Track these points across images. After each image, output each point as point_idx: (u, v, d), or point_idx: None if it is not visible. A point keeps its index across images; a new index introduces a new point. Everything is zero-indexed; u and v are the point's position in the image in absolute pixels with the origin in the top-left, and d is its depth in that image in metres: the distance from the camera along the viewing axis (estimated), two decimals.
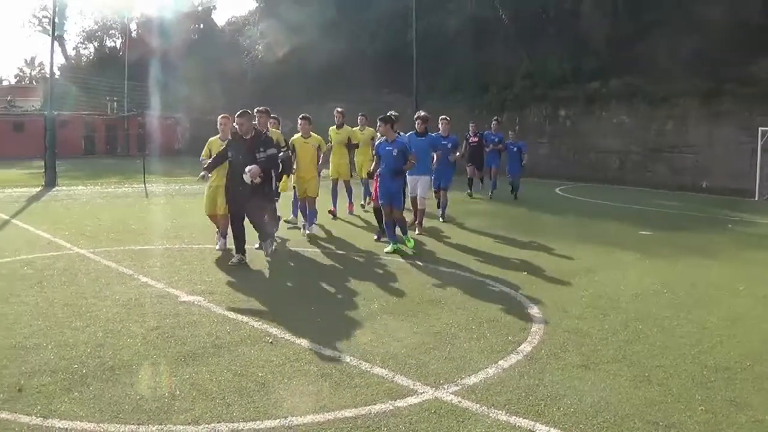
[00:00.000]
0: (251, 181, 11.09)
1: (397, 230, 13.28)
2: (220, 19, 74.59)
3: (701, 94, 31.06)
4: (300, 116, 15.31)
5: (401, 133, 14.41)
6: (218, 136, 12.67)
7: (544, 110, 38.61)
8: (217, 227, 12.88)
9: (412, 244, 13.18)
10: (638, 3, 32.48)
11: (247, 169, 11.08)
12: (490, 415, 5.49)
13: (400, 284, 10.37)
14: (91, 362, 6.56)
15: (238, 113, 11.52)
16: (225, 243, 12.70)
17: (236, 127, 11.57)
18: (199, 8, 71.09)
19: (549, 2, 38.89)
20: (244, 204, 11.49)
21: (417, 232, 15.12)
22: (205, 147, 12.86)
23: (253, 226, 11.91)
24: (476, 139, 23.38)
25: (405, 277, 10.85)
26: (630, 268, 11.94)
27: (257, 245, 12.41)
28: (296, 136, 15.11)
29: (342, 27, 47.44)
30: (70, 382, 6.01)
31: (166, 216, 18.28)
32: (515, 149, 24.18)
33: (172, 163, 41.58)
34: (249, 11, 65.50)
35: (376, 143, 13.58)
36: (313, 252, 13.12)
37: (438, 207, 17.89)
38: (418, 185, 15.27)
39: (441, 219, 17.44)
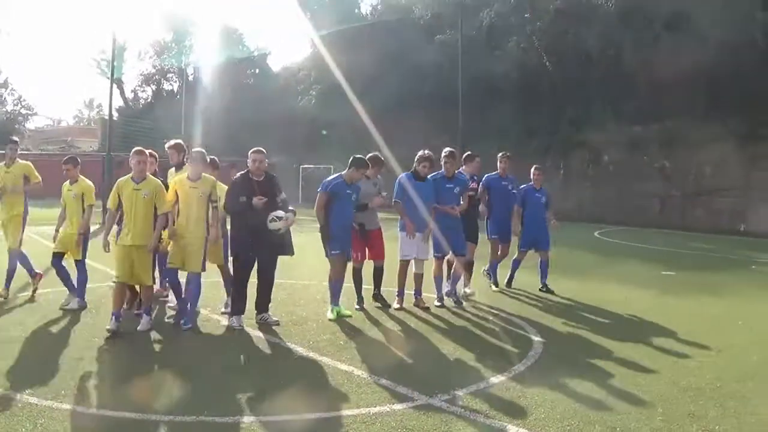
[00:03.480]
0: (279, 229, 9.80)
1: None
2: (275, 64, 75.90)
3: (738, 137, 31.68)
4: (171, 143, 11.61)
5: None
6: (130, 175, 9.73)
7: (588, 155, 39.42)
8: (120, 301, 9.74)
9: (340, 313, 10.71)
10: (677, 49, 33.15)
11: (278, 215, 9.74)
12: (470, 417, 6.43)
13: (414, 313, 11.26)
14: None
15: (253, 150, 9.98)
16: (150, 320, 9.79)
17: (252, 165, 10.02)
18: (255, 53, 73.00)
19: (592, 49, 39.68)
20: (265, 258, 10.09)
21: (396, 305, 11.58)
22: (113, 191, 9.70)
23: (264, 288, 10.24)
24: (475, 186, 13.26)
25: (420, 309, 11.61)
26: (638, 303, 12.56)
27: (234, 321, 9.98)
28: (180, 176, 10.42)
29: (392, 72, 48.61)
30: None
31: None
32: (543, 200, 13.95)
33: None
34: (304, 57, 67.01)
35: None
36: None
37: (447, 278, 12.53)
38: (415, 246, 11.60)
39: (447, 297, 12.18)
